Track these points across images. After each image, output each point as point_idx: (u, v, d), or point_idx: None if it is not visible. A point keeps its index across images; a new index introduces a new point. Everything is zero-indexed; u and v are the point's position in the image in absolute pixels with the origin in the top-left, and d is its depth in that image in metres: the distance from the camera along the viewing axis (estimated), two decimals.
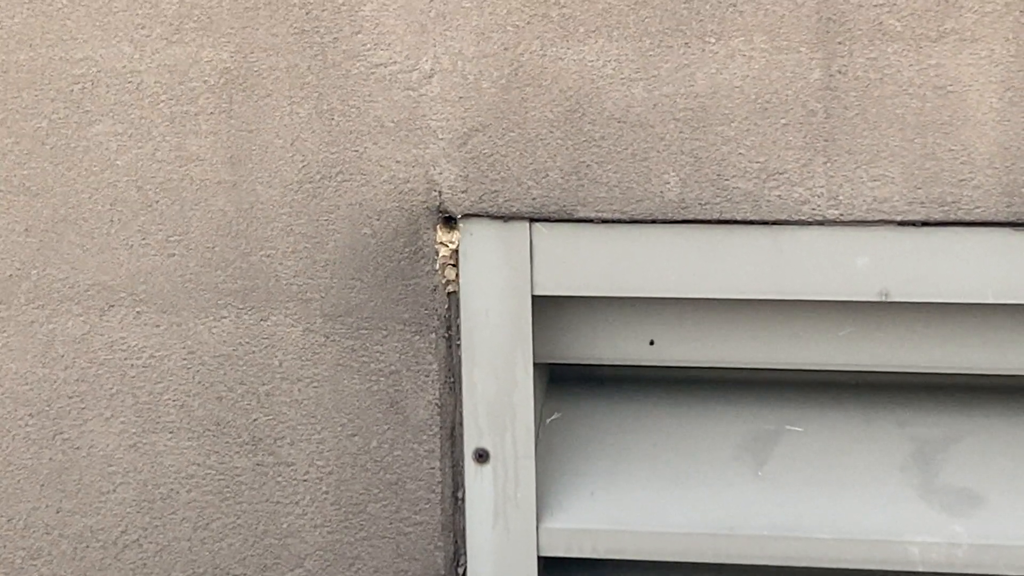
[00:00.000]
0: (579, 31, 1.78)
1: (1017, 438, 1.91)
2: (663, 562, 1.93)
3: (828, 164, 1.78)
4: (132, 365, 1.96)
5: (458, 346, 1.89)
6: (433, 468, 1.93)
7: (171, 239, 1.91)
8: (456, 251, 1.85)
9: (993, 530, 1.84)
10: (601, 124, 1.80)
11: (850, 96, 1.76)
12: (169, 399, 1.96)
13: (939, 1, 1.73)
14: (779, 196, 1.79)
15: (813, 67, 1.76)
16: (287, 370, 1.93)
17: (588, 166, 1.81)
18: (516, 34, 1.80)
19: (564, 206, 1.83)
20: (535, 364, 1.88)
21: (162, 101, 1.88)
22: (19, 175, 1.92)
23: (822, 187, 1.78)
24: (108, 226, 1.92)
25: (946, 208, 1.77)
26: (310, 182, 1.87)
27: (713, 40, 1.76)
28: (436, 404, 1.91)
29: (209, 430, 1.96)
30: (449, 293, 1.88)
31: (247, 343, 1.93)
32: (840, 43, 1.75)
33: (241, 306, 1.92)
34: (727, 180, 1.79)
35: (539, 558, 1.92)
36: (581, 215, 1.83)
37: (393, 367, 1.91)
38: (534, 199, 1.83)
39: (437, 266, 1.87)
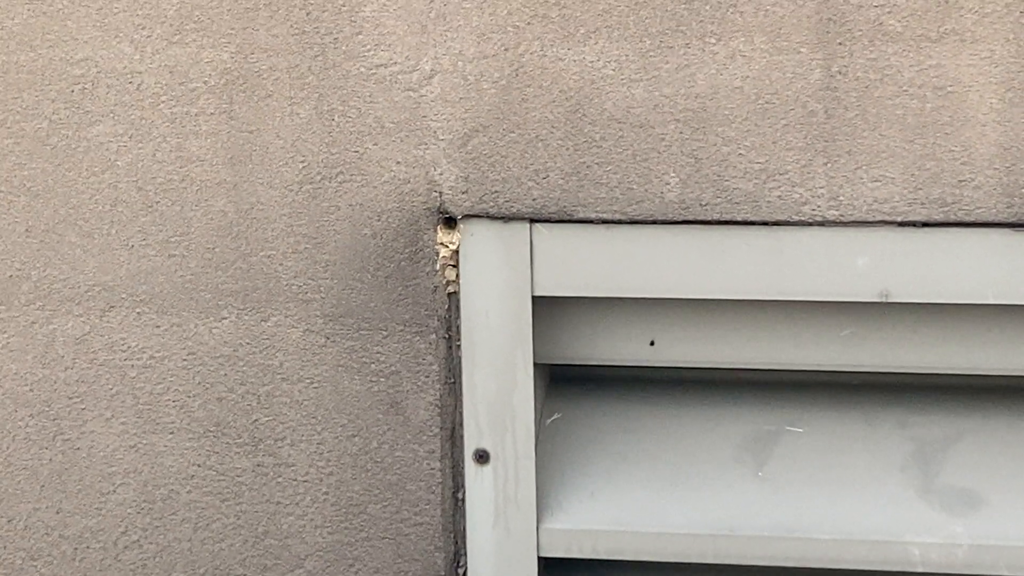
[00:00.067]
0: (579, 32, 1.79)
1: (1017, 438, 1.92)
2: (663, 562, 1.93)
3: (828, 165, 1.78)
4: (132, 366, 1.96)
5: (458, 347, 1.89)
6: (433, 469, 1.93)
7: (171, 240, 1.91)
8: (456, 252, 1.85)
9: (993, 530, 1.84)
10: (601, 125, 1.80)
11: (850, 97, 1.76)
12: (169, 400, 1.96)
13: (939, 1, 1.73)
14: (779, 197, 1.79)
15: (813, 68, 1.76)
16: (287, 371, 1.93)
17: (588, 167, 1.81)
18: (516, 35, 1.80)
19: (564, 207, 1.83)
20: (535, 364, 1.88)
21: (162, 102, 1.88)
22: (20, 176, 1.92)
23: (822, 188, 1.78)
24: (108, 227, 1.92)
25: (946, 209, 1.77)
26: (310, 183, 1.87)
27: (713, 41, 1.77)
28: (436, 405, 1.91)
29: (209, 431, 1.96)
30: (449, 294, 1.88)
31: (247, 344, 1.93)
32: (840, 44, 1.75)
33: (241, 307, 1.92)
34: (727, 181, 1.79)
35: (539, 558, 1.92)
36: (581, 216, 1.83)
37: (393, 368, 1.91)
38: (534, 200, 1.83)
39: (437, 267, 1.87)
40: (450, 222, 1.86)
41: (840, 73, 1.76)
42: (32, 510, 2.02)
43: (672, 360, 1.92)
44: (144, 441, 1.98)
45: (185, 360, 1.95)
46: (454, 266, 1.86)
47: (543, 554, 1.91)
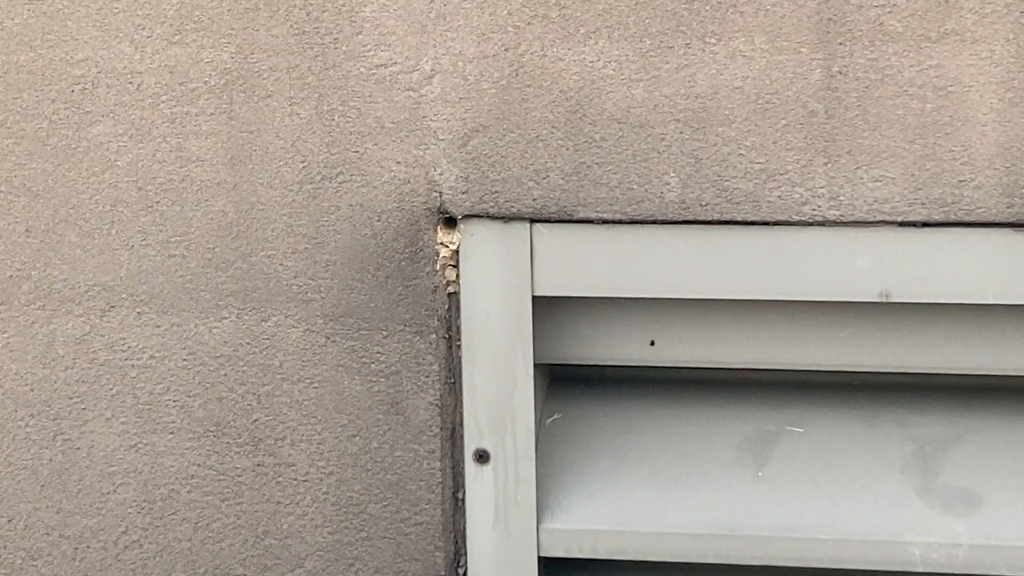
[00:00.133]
0: (579, 32, 1.78)
1: (1017, 438, 1.92)
2: (663, 562, 1.93)
3: (828, 165, 1.78)
4: (133, 366, 1.96)
5: (458, 347, 1.89)
6: (433, 469, 1.93)
7: (172, 240, 1.91)
8: (456, 252, 1.85)
9: (993, 530, 1.84)
10: (602, 125, 1.80)
11: (850, 97, 1.76)
12: (170, 400, 1.96)
13: (939, 2, 1.73)
14: (779, 197, 1.79)
15: (814, 68, 1.76)
16: (287, 371, 1.93)
17: (588, 167, 1.81)
18: (516, 35, 1.80)
19: (565, 207, 1.83)
20: (535, 365, 1.88)
21: (163, 102, 1.88)
22: (20, 176, 1.92)
23: (822, 188, 1.78)
24: (109, 227, 1.92)
25: (946, 209, 1.77)
26: (310, 183, 1.87)
27: (714, 41, 1.76)
28: (436, 405, 1.91)
29: (210, 431, 1.96)
30: (449, 294, 1.88)
31: (247, 344, 1.93)
32: (840, 44, 1.75)
33: (241, 307, 1.92)
34: (728, 181, 1.79)
35: (539, 558, 1.92)
36: (582, 216, 1.83)
37: (393, 368, 1.91)
38: (534, 200, 1.83)
39: (437, 267, 1.87)
40: (450, 222, 1.86)
41: (840, 73, 1.76)
42: (32, 510, 2.02)
43: (672, 360, 1.92)
44: (144, 441, 1.98)
45: (185, 360, 1.95)
46: (454, 266, 1.86)
47: (543, 554, 1.91)
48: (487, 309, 1.85)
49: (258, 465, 1.96)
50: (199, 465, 1.97)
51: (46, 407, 1.99)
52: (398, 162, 1.85)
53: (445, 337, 1.89)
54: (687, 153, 1.79)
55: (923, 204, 1.77)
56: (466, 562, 1.94)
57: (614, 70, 1.79)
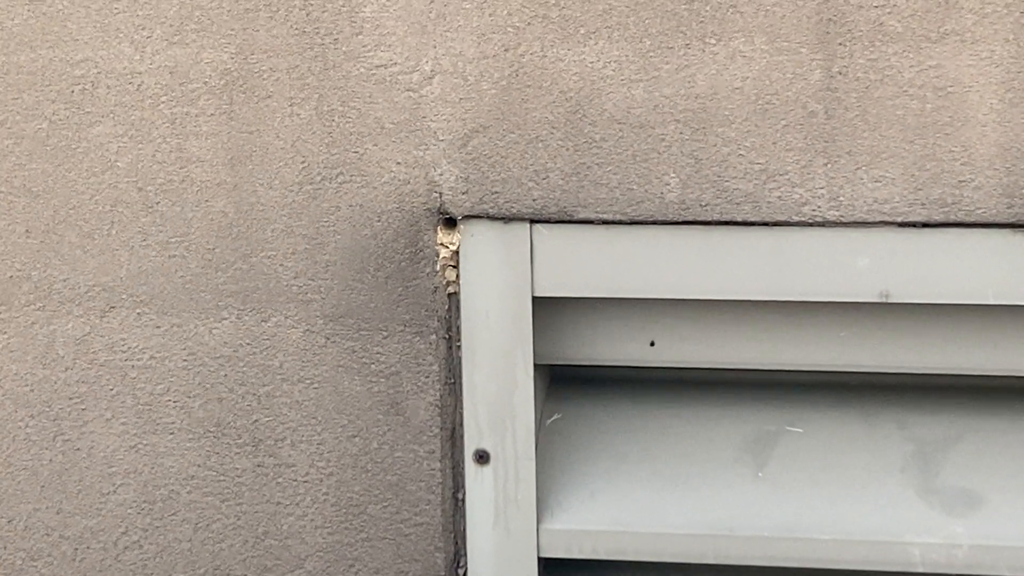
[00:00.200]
0: (579, 32, 1.78)
1: (1017, 438, 1.92)
2: (663, 563, 1.93)
3: (828, 165, 1.78)
4: (133, 366, 1.96)
5: (458, 347, 1.89)
6: (433, 469, 1.93)
7: (172, 240, 1.91)
8: (456, 252, 1.85)
9: (993, 530, 1.84)
10: (601, 125, 1.80)
11: (850, 97, 1.76)
12: (170, 400, 1.96)
13: (939, 2, 1.73)
14: (779, 197, 1.79)
15: (813, 68, 1.76)
16: (287, 371, 1.93)
17: (588, 167, 1.81)
18: (516, 35, 1.80)
19: (565, 207, 1.83)
20: (536, 365, 1.88)
21: (162, 102, 1.88)
22: (20, 176, 1.92)
23: (822, 188, 1.78)
24: (109, 227, 1.92)
25: (946, 209, 1.77)
26: (310, 183, 1.87)
27: (713, 41, 1.77)
28: (436, 405, 1.91)
29: (210, 431, 1.96)
30: (449, 294, 1.88)
31: (248, 344, 1.93)
32: (840, 44, 1.75)
33: (242, 307, 1.92)
34: (727, 181, 1.79)
35: (539, 559, 1.92)
36: (582, 216, 1.83)
37: (393, 368, 1.91)
38: (534, 200, 1.83)
39: (437, 267, 1.87)
40: (450, 222, 1.86)
41: (840, 73, 1.76)
42: (32, 510, 2.02)
43: (672, 360, 1.92)
44: (144, 441, 1.98)
45: (185, 360, 1.95)
46: (454, 266, 1.86)
47: (543, 554, 1.91)
48: (487, 309, 1.85)
49: (258, 466, 1.96)
50: (199, 466, 1.97)
51: (46, 408, 1.99)
52: (398, 163, 1.85)
53: (445, 337, 1.89)
54: (687, 153, 1.79)
55: (923, 204, 1.77)
56: (466, 563, 1.94)
57: (614, 70, 1.79)
